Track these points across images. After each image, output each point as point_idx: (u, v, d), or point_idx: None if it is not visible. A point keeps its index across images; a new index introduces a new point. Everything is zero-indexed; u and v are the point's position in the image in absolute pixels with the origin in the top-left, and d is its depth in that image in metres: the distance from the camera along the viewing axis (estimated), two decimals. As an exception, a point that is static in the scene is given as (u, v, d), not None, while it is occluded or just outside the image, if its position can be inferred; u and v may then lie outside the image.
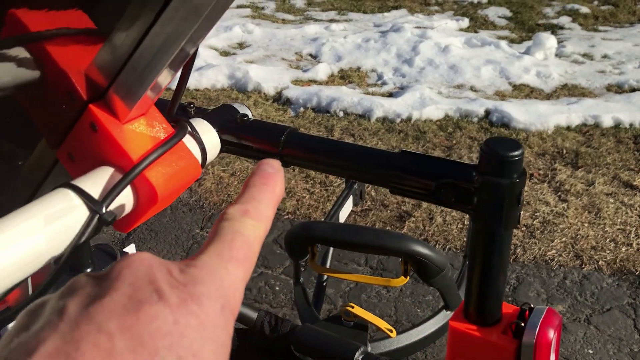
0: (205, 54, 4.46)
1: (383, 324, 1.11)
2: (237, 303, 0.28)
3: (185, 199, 2.86)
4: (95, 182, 0.53)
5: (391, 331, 1.11)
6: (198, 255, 0.29)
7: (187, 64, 0.60)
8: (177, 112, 0.66)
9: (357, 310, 1.13)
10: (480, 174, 0.52)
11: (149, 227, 2.66)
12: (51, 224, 0.48)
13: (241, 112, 0.66)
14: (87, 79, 0.54)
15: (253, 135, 0.63)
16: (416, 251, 1.11)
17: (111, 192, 0.51)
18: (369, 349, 1.18)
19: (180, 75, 0.60)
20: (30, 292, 0.74)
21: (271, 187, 0.34)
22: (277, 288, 2.30)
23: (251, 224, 0.32)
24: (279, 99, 3.87)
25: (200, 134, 0.62)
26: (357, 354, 0.97)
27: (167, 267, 0.27)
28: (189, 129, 0.60)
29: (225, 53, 4.65)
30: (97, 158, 0.55)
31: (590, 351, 2.02)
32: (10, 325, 0.86)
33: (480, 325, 0.58)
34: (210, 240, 0.30)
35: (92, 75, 0.54)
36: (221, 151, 0.65)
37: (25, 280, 0.60)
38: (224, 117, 0.65)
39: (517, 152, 0.51)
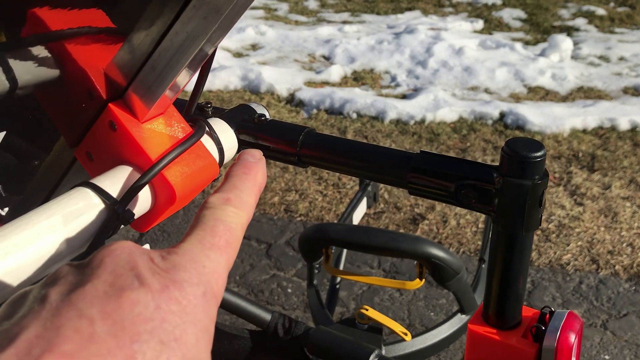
0: (218, 55, 4.47)
1: (398, 327, 1.10)
2: (220, 289, 0.28)
3: (197, 200, 2.86)
4: (114, 181, 0.53)
5: (406, 334, 1.10)
6: (180, 243, 0.29)
7: (205, 64, 0.59)
8: (195, 111, 0.66)
9: (372, 313, 1.12)
10: (502, 175, 0.51)
11: (161, 228, 2.66)
12: (70, 222, 0.48)
13: (258, 112, 0.66)
14: (106, 78, 0.54)
15: (270, 135, 0.63)
16: (432, 254, 1.10)
17: (130, 191, 0.51)
18: (384, 352, 1.18)
19: (199, 75, 0.60)
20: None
21: (252, 175, 0.35)
22: (289, 290, 2.29)
23: (233, 212, 0.32)
24: (292, 101, 3.87)
25: (218, 134, 0.62)
26: (372, 357, 0.96)
27: (149, 254, 0.28)
28: (207, 128, 0.60)
29: (238, 54, 4.66)
30: (116, 157, 0.55)
31: (607, 357, 1.99)
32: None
33: (500, 329, 0.57)
34: (192, 228, 0.31)
35: (111, 74, 0.54)
36: (239, 151, 0.65)
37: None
38: (241, 117, 0.65)
39: (539, 153, 0.50)
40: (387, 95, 3.95)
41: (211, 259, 0.29)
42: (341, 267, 1.59)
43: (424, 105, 3.69)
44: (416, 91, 3.96)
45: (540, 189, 0.51)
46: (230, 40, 4.84)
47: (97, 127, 0.56)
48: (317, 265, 1.37)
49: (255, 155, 0.37)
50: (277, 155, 0.63)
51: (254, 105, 0.68)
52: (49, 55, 0.56)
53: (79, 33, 0.56)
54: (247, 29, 5.06)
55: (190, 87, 0.56)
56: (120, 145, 0.55)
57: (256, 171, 0.36)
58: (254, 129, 0.63)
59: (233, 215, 0.32)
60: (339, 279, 1.65)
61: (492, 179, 0.52)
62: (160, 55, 0.51)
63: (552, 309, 0.57)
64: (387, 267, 2.39)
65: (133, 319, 0.24)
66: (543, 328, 0.55)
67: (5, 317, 0.25)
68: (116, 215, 0.51)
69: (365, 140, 3.31)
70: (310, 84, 4.11)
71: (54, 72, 0.57)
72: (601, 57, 4.53)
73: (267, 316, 1.09)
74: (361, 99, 3.76)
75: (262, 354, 1.12)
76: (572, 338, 0.54)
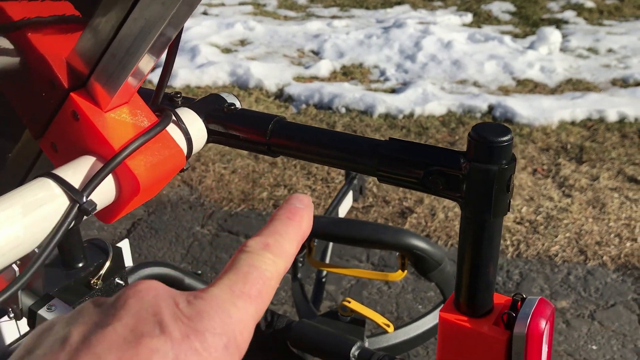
0: (206, 51, 4.45)
1: (380, 319, 1.10)
2: (245, 341, 0.27)
3: (185, 196, 2.85)
4: (76, 171, 0.52)
5: (388, 326, 1.10)
6: (210, 286, 0.28)
7: (170, 52, 0.59)
8: (164, 102, 0.65)
9: (354, 305, 1.12)
10: (469, 160, 0.51)
11: (149, 225, 2.65)
12: (30, 213, 0.47)
13: (229, 101, 0.65)
14: (68, 66, 0.53)
15: (240, 125, 0.62)
16: (413, 245, 1.10)
17: (92, 181, 0.50)
18: (367, 344, 1.17)
19: (164, 64, 0.59)
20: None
21: (297, 222, 0.33)
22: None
23: (270, 259, 0.30)
24: (281, 96, 3.86)
25: (186, 124, 0.61)
26: (354, 349, 0.96)
27: (174, 298, 0.27)
28: (174, 117, 0.59)
29: (226, 50, 4.64)
30: (80, 147, 0.54)
31: (594, 347, 2.00)
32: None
33: (471, 316, 0.57)
34: (225, 272, 0.30)
35: (73, 62, 0.53)
36: (208, 141, 0.64)
37: (9, 269, 0.59)
38: (211, 107, 0.64)
39: (505, 138, 0.49)
40: (376, 90, 3.94)
41: (239, 307, 0.27)
42: (327, 261, 1.59)
43: (413, 99, 3.69)
44: (405, 85, 3.95)
45: (508, 173, 0.50)
46: (219, 36, 4.81)
47: (60, 117, 0.55)
48: (301, 259, 1.36)
49: (303, 201, 0.35)
50: (246, 145, 0.62)
51: (224, 95, 0.67)
52: (11, 45, 0.55)
53: (40, 22, 0.55)
54: (236, 24, 5.03)
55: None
56: (83, 135, 0.54)
57: (301, 217, 0.33)
58: (223, 118, 0.63)
59: (270, 263, 0.30)
60: (325, 273, 1.64)
61: (459, 164, 0.52)
62: (120, 42, 0.50)
63: (524, 296, 0.57)
64: (375, 260, 2.39)
65: None
66: (514, 315, 0.55)
67: (28, 351, 0.26)
68: (78, 205, 0.50)
69: (354, 135, 3.30)
70: (299, 79, 4.09)
71: (16, 63, 0.56)
72: (590, 50, 4.54)
73: (248, 310, 1.08)
74: (350, 93, 3.75)
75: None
76: (543, 324, 0.54)
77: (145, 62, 0.51)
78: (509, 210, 0.53)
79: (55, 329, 0.27)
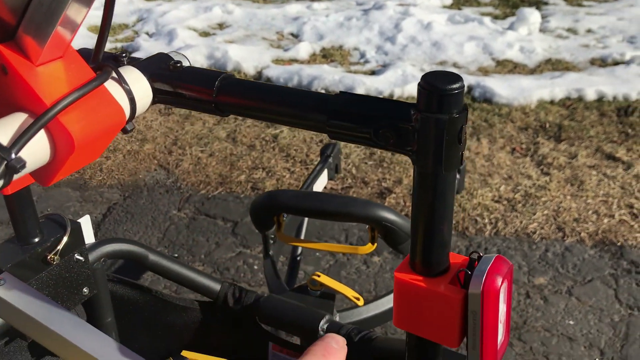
0: (183, 34, 4.39)
1: (350, 292, 1.08)
2: None
3: (162, 180, 2.81)
4: (6, 128, 0.49)
5: (358, 299, 1.08)
6: None
7: (107, 4, 0.55)
8: (108, 61, 0.62)
9: (324, 279, 1.10)
10: (419, 111, 0.48)
11: (125, 209, 2.61)
12: (-47, 171, 0.45)
13: (176, 59, 0.62)
14: (-5, 18, 0.50)
15: (186, 82, 0.59)
16: (383, 217, 1.08)
17: (21, 137, 0.48)
18: (337, 318, 1.16)
19: (102, 18, 0.56)
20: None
21: None
22: (255, 267, 2.26)
23: None
24: (259, 78, 3.82)
25: (130, 82, 0.58)
26: (322, 322, 0.94)
27: None
28: (115, 75, 0.56)
29: (204, 34, 4.57)
30: (11, 104, 0.51)
31: (572, 322, 2.00)
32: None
33: (427, 276, 0.55)
34: None
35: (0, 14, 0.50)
36: (154, 102, 0.61)
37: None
38: (156, 65, 0.61)
39: (456, 85, 0.47)
40: (355, 72, 3.91)
41: None
42: (302, 237, 1.57)
43: (393, 81, 3.66)
44: (385, 67, 3.93)
45: (459, 123, 0.48)
46: (197, 20, 4.74)
47: (-11, 73, 0.52)
48: (272, 236, 1.34)
49: (339, 342, 0.37)
50: (193, 104, 0.59)
51: (172, 54, 0.64)
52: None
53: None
54: (214, 7, 4.96)
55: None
56: (13, 90, 0.51)
57: (335, 358, 0.35)
58: (169, 76, 0.60)
59: None
60: (299, 251, 1.62)
61: (409, 116, 0.49)
62: (45, -12, 0.47)
63: (481, 254, 0.55)
64: (354, 241, 2.38)
65: None
66: (470, 273, 0.53)
67: None
68: (5, 162, 0.47)
69: (333, 117, 3.27)
70: (278, 61, 4.05)
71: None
72: (569, 30, 4.54)
73: (216, 286, 1.06)
74: (330, 75, 3.71)
75: (213, 325, 1.09)
76: (499, 281, 0.52)
77: (75, 11, 0.48)
78: (461, 164, 0.50)
79: None
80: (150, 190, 2.74)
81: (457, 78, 0.48)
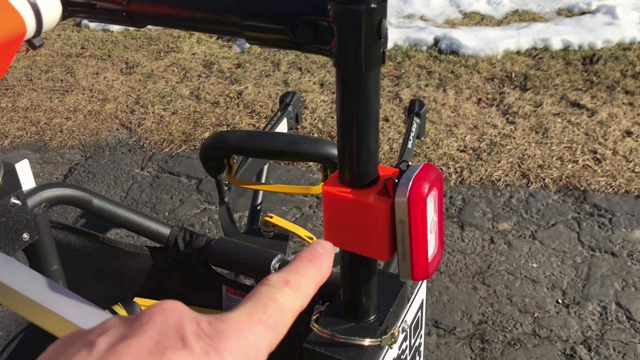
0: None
1: (303, 232, 1.06)
2: None
3: (124, 139, 2.75)
4: None
5: (311, 239, 1.06)
6: (229, 312, 0.30)
7: None
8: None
9: (276, 220, 1.08)
10: (335, 3, 0.45)
11: (86, 169, 2.55)
12: None
13: (87, -30, 0.58)
14: None
15: (96, -8, 0.55)
16: (333, 154, 1.05)
17: None
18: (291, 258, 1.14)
19: None
20: None
21: (317, 265, 0.36)
22: (220, 223, 2.23)
23: (289, 295, 0.33)
24: (223, 36, 3.72)
25: (35, -7, 0.54)
26: (274, 261, 0.92)
27: (197, 318, 0.29)
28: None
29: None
30: None
31: (535, 265, 2.03)
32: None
33: (355, 188, 0.52)
34: (245, 300, 0.32)
35: None
36: (65, 16, 0.57)
37: None
38: (65, -24, 0.57)
39: (372, -26, 0.44)
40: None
41: (255, 333, 0.30)
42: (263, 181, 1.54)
43: (359, 34, 3.60)
44: (351, 21, 3.86)
45: (377, 15, 0.45)
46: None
47: None
48: (227, 183, 1.31)
49: (326, 247, 0.37)
50: (105, 15, 0.55)
51: (84, -34, 0.59)
52: None
53: None
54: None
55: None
56: None
57: (322, 262, 0.36)
58: (78, -13, 0.56)
59: (288, 298, 0.32)
60: (260, 201, 1.60)
61: (326, 10, 0.46)
62: None
63: (410, 163, 0.52)
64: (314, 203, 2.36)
65: None
66: (396, 181, 0.51)
67: (54, 357, 0.27)
68: None
69: (299, 72, 3.22)
70: None
71: None
72: (536, -19, 4.50)
73: (166, 230, 1.03)
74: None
75: (165, 270, 1.07)
76: (426, 188, 0.50)
77: None
78: (384, 63, 0.48)
79: (79, 338, 0.28)
80: (113, 149, 2.67)
81: None
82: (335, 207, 0.53)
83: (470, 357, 1.71)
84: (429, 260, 0.53)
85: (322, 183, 1.11)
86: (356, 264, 0.57)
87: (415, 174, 0.50)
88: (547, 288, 1.93)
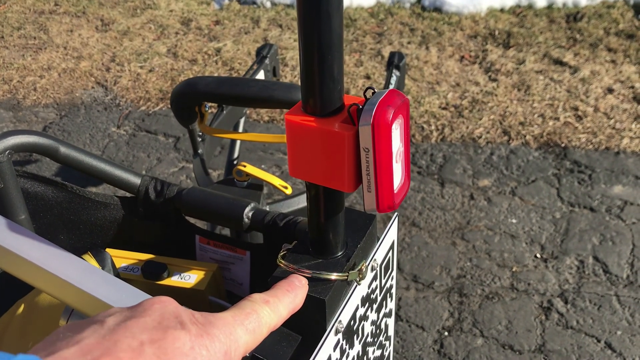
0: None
1: (277, 181, 1.04)
2: (237, 357, 0.35)
3: (100, 97, 2.69)
4: None
5: (286, 187, 1.04)
6: (217, 313, 0.36)
7: None
8: None
9: (250, 169, 1.05)
10: None
11: (61, 127, 2.50)
12: None
13: None
14: None
15: None
16: (308, 100, 1.02)
17: None
18: (267, 208, 1.12)
19: None
20: None
21: (293, 295, 0.44)
22: (195, 179, 2.21)
23: (267, 311, 0.39)
24: (202, -8, 3.64)
25: None
26: (247, 210, 0.90)
27: (190, 310, 0.34)
28: None
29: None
30: None
31: (514, 220, 2.03)
32: None
33: (318, 116, 0.50)
34: (232, 308, 0.37)
35: None
36: None
37: None
38: None
39: None
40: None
41: (237, 332, 0.35)
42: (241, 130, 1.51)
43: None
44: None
45: None
46: None
47: None
48: (200, 133, 1.28)
49: (301, 281, 0.46)
50: None
51: None
52: None
53: None
54: None
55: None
56: None
57: (297, 294, 0.44)
58: None
59: (266, 314, 0.39)
60: (237, 154, 1.57)
61: None
62: None
63: (375, 90, 0.50)
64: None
65: (174, 350, 0.31)
66: (360, 107, 0.48)
67: (68, 330, 0.30)
68: None
69: (279, 29, 3.16)
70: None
71: None
72: (521, -63, 4.42)
73: (136, 180, 1.00)
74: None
75: (136, 221, 1.04)
76: (390, 113, 0.48)
77: None
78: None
79: (89, 320, 0.31)
80: (88, 108, 2.62)
81: None
82: (298, 136, 0.51)
83: (449, 311, 1.72)
84: (395, 191, 0.51)
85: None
86: (322, 197, 0.55)
87: (380, 99, 0.48)
88: (526, 243, 1.94)
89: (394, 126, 0.48)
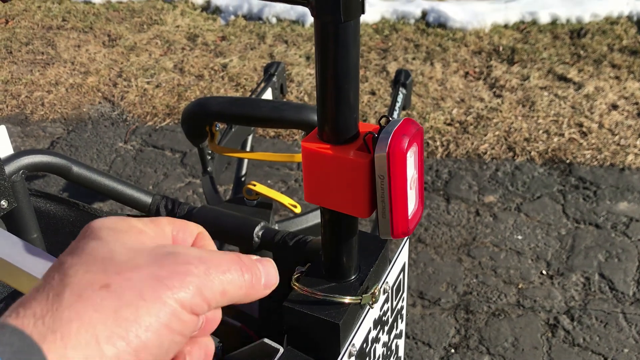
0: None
1: (286, 200, 1.05)
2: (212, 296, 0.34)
3: (107, 113, 2.71)
4: None
5: (295, 207, 1.05)
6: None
7: None
8: None
9: (260, 188, 1.06)
10: (312, -53, 0.43)
11: (69, 142, 2.52)
12: None
13: None
14: None
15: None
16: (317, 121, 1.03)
17: None
18: (276, 226, 1.13)
19: None
20: None
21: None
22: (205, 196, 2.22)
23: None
24: (208, 8, 3.67)
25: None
26: (257, 229, 0.91)
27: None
28: None
29: (150, -37, 4.35)
30: None
31: (520, 237, 2.04)
32: None
33: (334, 144, 0.51)
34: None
35: None
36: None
37: None
38: None
39: None
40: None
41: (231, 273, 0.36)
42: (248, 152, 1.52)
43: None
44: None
45: (356, -40, 0.43)
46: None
47: None
48: (209, 152, 1.29)
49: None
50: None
51: None
52: None
53: None
54: None
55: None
56: None
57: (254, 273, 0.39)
58: None
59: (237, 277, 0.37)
60: (244, 171, 1.58)
61: (302, -44, 0.44)
62: None
63: (390, 119, 0.51)
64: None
65: None
66: (376, 136, 0.49)
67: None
68: None
69: (285, 45, 3.18)
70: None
71: None
72: (525, -46, 4.46)
73: (147, 199, 1.01)
74: (280, 2, 3.58)
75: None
76: (406, 142, 0.49)
77: None
78: (363, 12, 0.46)
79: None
80: (95, 123, 2.64)
81: None
82: (314, 163, 0.52)
83: (455, 328, 1.72)
84: (409, 217, 0.52)
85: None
86: (336, 222, 0.56)
87: (395, 128, 0.49)
88: (532, 260, 1.94)
89: (408, 154, 0.49)
